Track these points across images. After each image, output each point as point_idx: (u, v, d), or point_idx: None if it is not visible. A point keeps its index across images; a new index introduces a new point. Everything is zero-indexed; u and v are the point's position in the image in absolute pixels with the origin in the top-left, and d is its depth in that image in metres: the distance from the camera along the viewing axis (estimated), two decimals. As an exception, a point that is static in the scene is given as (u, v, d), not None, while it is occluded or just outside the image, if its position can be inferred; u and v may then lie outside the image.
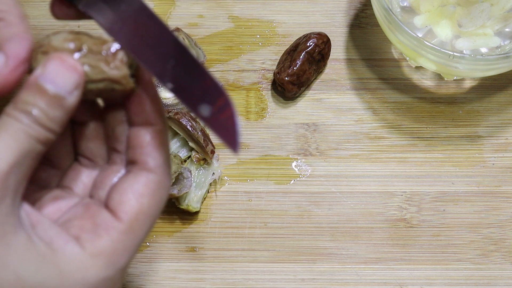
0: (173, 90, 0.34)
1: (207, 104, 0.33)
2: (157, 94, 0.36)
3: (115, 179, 0.36)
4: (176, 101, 0.59)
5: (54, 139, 0.33)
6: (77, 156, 0.38)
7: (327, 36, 0.60)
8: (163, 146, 0.36)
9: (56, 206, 0.36)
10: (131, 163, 0.36)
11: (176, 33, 0.36)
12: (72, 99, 0.33)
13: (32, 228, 0.32)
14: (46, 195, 0.36)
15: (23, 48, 0.35)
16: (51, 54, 0.34)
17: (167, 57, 0.34)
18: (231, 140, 0.33)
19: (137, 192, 0.35)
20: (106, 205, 0.35)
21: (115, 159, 0.37)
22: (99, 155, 0.38)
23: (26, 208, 0.33)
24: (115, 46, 0.35)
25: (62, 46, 0.35)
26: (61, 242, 0.33)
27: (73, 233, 0.34)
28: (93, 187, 0.37)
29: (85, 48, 0.35)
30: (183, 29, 0.62)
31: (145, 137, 0.36)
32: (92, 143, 0.38)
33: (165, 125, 0.36)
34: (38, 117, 0.32)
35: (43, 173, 0.37)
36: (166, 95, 0.59)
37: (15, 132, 0.32)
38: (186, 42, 0.61)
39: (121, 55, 0.35)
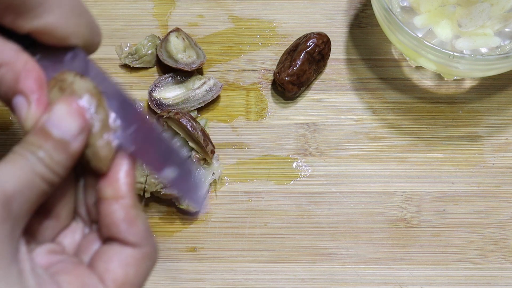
0: (140, 157, 0.35)
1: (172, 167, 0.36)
2: (131, 170, 0.36)
3: (96, 247, 0.37)
4: (176, 101, 0.59)
5: (59, 181, 0.34)
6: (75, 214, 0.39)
7: (327, 36, 0.60)
8: (139, 219, 0.36)
9: (48, 258, 0.36)
10: (111, 240, 0.36)
11: (136, 103, 0.37)
12: (77, 144, 0.34)
13: (25, 266, 0.32)
14: (42, 246, 0.36)
15: (36, 80, 0.36)
16: (61, 98, 0.35)
17: (129, 123, 0.35)
18: (195, 198, 0.36)
19: (123, 262, 0.35)
20: (93, 268, 0.35)
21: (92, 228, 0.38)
22: (71, 217, 0.38)
23: (23, 247, 0.33)
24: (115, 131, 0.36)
25: (80, 95, 0.35)
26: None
27: (61, 287, 0.33)
28: (78, 249, 0.37)
29: (93, 110, 0.36)
30: (183, 29, 0.62)
31: (118, 214, 0.35)
32: (65, 206, 0.38)
33: (135, 198, 0.36)
34: (43, 159, 0.33)
35: (42, 224, 0.37)
36: (166, 95, 0.59)
37: (22, 165, 0.33)
38: (186, 42, 0.61)
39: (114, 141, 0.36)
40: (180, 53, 0.60)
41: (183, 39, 0.61)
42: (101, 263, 0.35)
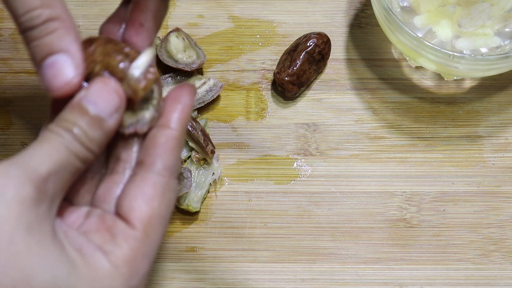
0: None
1: None
2: (189, 107, 0.37)
3: (118, 191, 0.37)
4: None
5: (93, 158, 0.35)
6: None
7: (327, 36, 0.60)
8: (175, 151, 0.37)
9: (72, 217, 0.37)
10: (138, 164, 0.37)
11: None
12: (112, 121, 0.35)
13: (64, 235, 0.34)
14: (78, 208, 0.38)
15: (81, 50, 0.36)
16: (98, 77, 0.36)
17: None
18: None
19: (146, 196, 0.35)
20: (118, 213, 0.36)
21: (116, 168, 0.38)
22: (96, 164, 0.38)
23: (58, 221, 0.34)
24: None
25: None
26: (89, 251, 0.34)
27: (96, 243, 0.35)
28: (97, 200, 0.38)
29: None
30: (183, 29, 0.62)
31: (160, 139, 0.36)
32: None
33: (183, 132, 0.37)
34: (78, 136, 0.34)
35: (78, 191, 0.38)
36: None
37: (56, 145, 0.33)
38: (186, 42, 0.61)
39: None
40: (180, 53, 0.60)
41: (183, 39, 0.61)
42: (126, 202, 0.35)
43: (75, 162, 0.34)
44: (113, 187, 0.37)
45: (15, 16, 0.35)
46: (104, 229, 0.35)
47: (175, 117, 0.37)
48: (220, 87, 0.60)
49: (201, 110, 0.60)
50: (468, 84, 0.62)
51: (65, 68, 0.35)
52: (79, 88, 0.35)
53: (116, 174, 0.38)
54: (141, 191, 0.35)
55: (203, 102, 0.59)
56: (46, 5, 0.35)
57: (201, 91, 0.59)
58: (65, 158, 0.33)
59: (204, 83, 0.60)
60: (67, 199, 0.37)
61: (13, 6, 0.34)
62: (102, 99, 0.35)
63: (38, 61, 0.35)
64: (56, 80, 0.35)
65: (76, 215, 0.37)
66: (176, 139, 0.36)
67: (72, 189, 0.37)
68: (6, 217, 0.31)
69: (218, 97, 0.60)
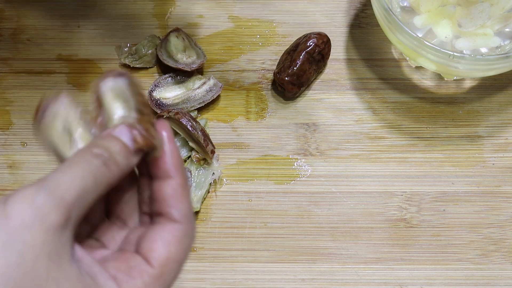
0: None
1: None
2: (177, 150, 0.39)
3: (138, 235, 0.40)
4: (176, 101, 0.59)
5: (112, 185, 0.36)
6: (110, 215, 0.41)
7: (327, 36, 0.60)
8: (185, 197, 0.39)
9: (92, 252, 0.39)
10: (157, 215, 0.39)
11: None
12: (137, 156, 0.37)
13: (80, 262, 0.35)
14: (83, 242, 0.39)
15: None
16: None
17: None
18: None
19: (165, 240, 0.37)
20: (137, 252, 0.38)
21: (144, 220, 0.41)
22: (131, 217, 0.41)
23: (77, 246, 0.36)
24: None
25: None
26: (103, 279, 0.35)
27: (111, 273, 0.36)
28: (122, 243, 0.40)
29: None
30: (183, 29, 0.62)
31: (167, 190, 0.39)
32: (127, 207, 0.41)
33: (184, 178, 0.39)
34: (107, 160, 0.36)
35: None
36: (166, 95, 0.59)
37: (84, 170, 0.35)
38: (186, 42, 0.61)
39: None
40: (180, 53, 0.60)
41: (183, 39, 0.61)
42: (145, 244, 0.37)
43: (98, 190, 0.35)
44: (138, 234, 0.40)
45: None
46: (122, 260, 0.37)
47: (171, 165, 0.39)
48: (220, 87, 0.60)
49: (201, 110, 0.60)
50: (468, 84, 0.62)
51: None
52: None
53: (143, 225, 0.40)
54: (160, 235, 0.38)
55: (203, 102, 0.59)
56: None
57: (201, 91, 0.59)
58: (91, 185, 0.35)
59: (204, 83, 0.60)
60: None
61: None
62: (131, 133, 0.38)
63: None
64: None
65: (91, 251, 0.39)
66: (182, 186, 0.39)
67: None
68: (31, 244, 0.32)
69: (218, 97, 0.60)
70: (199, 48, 0.61)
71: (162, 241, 0.37)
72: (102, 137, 0.37)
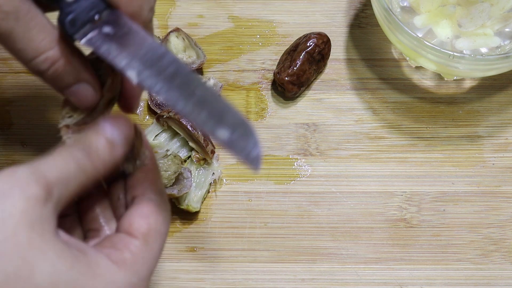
0: (191, 117, 0.37)
1: (226, 128, 0.36)
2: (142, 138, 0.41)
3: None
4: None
5: (95, 179, 0.38)
6: (86, 233, 0.42)
7: (327, 36, 0.60)
8: (157, 178, 0.41)
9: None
10: (132, 200, 0.40)
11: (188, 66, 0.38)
12: (121, 149, 0.38)
13: (66, 239, 0.36)
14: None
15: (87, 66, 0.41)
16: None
17: (185, 85, 0.37)
18: (252, 160, 0.36)
19: (143, 214, 0.39)
20: (118, 230, 0.39)
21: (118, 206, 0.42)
22: (107, 226, 0.42)
23: (59, 229, 0.37)
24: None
25: None
26: (92, 251, 0.36)
27: (98, 249, 0.37)
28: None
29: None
30: (183, 29, 0.62)
31: (138, 176, 0.41)
32: (102, 215, 0.42)
33: (155, 165, 0.41)
34: (90, 153, 0.37)
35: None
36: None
37: (67, 158, 0.36)
38: (186, 42, 0.61)
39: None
40: (180, 53, 0.60)
41: (183, 39, 0.61)
42: (124, 222, 0.39)
43: (81, 177, 0.36)
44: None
45: (24, 61, 0.40)
46: (106, 240, 0.39)
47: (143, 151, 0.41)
48: (220, 87, 0.60)
49: (201, 110, 0.60)
50: (468, 84, 0.62)
51: (84, 92, 0.41)
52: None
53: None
54: (137, 211, 0.39)
55: (203, 102, 0.59)
56: (48, 47, 0.39)
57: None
58: (73, 171, 0.36)
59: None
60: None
61: (19, 54, 0.39)
62: (118, 127, 0.39)
63: (60, 90, 0.41)
64: (82, 103, 0.41)
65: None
66: (152, 171, 0.41)
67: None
68: (10, 212, 0.33)
69: (218, 97, 0.60)
70: (199, 48, 0.61)
71: (140, 215, 0.39)
72: (87, 133, 0.38)
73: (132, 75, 0.37)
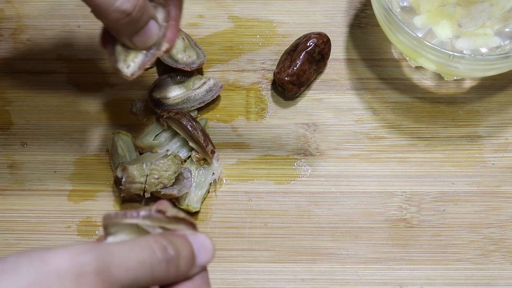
0: None
1: None
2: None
3: None
4: (176, 101, 0.59)
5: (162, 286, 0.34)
6: None
7: (327, 36, 0.60)
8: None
9: None
10: None
11: None
12: (196, 271, 0.35)
13: None
14: None
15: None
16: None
17: None
18: None
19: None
20: None
21: None
22: None
23: None
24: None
25: None
26: None
27: None
28: None
29: None
30: (183, 29, 0.62)
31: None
32: None
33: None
34: (171, 259, 0.33)
35: None
36: (166, 94, 0.59)
37: (143, 256, 0.32)
38: (186, 42, 0.61)
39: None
40: (180, 53, 0.60)
41: (183, 39, 0.61)
42: None
43: (148, 281, 0.33)
44: None
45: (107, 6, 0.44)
46: None
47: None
48: (220, 87, 0.60)
49: (201, 110, 0.60)
50: (468, 84, 0.62)
51: (156, 28, 0.47)
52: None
53: None
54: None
55: (203, 102, 0.59)
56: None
57: (201, 91, 0.59)
58: (143, 275, 0.32)
59: (204, 83, 0.60)
60: None
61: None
62: (205, 251, 0.36)
63: (136, 31, 0.46)
64: (152, 41, 0.47)
65: None
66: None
67: None
68: None
69: (218, 97, 0.60)
70: (199, 48, 0.61)
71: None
72: (175, 234, 0.35)
73: None
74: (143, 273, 0.32)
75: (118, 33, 0.46)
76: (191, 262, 0.35)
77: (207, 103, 0.59)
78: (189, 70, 0.59)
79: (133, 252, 0.32)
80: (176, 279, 0.34)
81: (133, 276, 0.32)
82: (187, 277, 0.35)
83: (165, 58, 0.60)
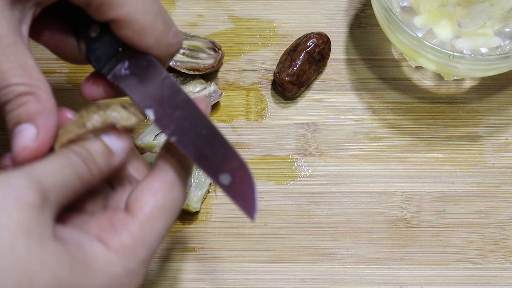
0: (196, 159, 0.39)
1: (227, 173, 0.39)
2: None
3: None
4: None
5: (92, 185, 0.37)
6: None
7: (327, 36, 0.60)
8: (180, 156, 0.40)
9: (71, 218, 0.40)
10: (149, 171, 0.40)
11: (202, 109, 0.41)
12: (118, 158, 0.39)
13: (62, 235, 0.36)
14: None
15: (53, 123, 0.38)
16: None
17: (193, 128, 0.39)
18: (249, 207, 0.40)
19: (153, 189, 0.38)
20: (124, 208, 0.39)
21: (125, 186, 0.41)
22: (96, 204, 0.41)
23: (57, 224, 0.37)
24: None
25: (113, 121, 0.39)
26: (88, 244, 0.36)
27: (94, 234, 0.37)
28: (108, 204, 0.41)
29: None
30: (183, 29, 0.62)
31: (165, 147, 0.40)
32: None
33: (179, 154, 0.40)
34: (86, 159, 0.37)
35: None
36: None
37: (63, 163, 0.36)
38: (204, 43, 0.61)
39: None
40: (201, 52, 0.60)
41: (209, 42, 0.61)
42: (134, 194, 0.38)
43: (77, 182, 0.36)
44: (122, 197, 0.40)
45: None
46: (104, 218, 0.38)
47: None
48: (220, 95, 0.59)
49: (201, 110, 0.60)
50: (468, 84, 0.62)
51: (27, 135, 0.37)
52: (40, 154, 0.37)
53: (124, 191, 0.41)
54: (148, 184, 0.38)
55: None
56: (21, 82, 0.38)
57: (200, 95, 0.59)
58: (69, 176, 0.36)
59: (205, 88, 0.60)
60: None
61: None
62: (117, 138, 0.38)
63: (9, 131, 0.38)
64: (17, 146, 0.37)
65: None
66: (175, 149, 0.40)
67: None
68: (6, 225, 0.32)
69: (218, 97, 0.60)
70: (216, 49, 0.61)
71: (149, 189, 0.38)
72: (86, 139, 0.38)
73: (149, 113, 0.39)
74: (68, 175, 0.35)
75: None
76: (107, 154, 0.38)
77: (207, 104, 0.59)
78: (193, 74, 0.59)
79: (52, 161, 0.36)
80: (103, 173, 0.38)
81: (61, 180, 0.35)
82: (118, 167, 0.39)
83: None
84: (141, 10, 0.39)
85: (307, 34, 0.60)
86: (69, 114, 0.39)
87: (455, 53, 0.53)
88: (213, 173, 0.39)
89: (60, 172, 0.35)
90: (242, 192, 0.40)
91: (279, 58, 0.61)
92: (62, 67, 0.62)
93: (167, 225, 0.38)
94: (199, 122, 0.40)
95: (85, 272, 0.34)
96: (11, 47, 0.38)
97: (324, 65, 0.62)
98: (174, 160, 0.39)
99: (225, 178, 0.39)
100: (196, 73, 0.59)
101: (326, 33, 0.61)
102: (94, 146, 0.38)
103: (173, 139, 0.39)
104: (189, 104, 0.40)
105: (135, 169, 0.41)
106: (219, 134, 0.40)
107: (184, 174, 0.39)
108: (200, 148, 0.39)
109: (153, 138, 0.57)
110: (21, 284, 0.32)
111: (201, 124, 0.39)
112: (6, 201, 0.33)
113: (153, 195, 0.38)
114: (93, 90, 0.42)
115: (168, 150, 0.40)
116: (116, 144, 0.38)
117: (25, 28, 0.40)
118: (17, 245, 0.32)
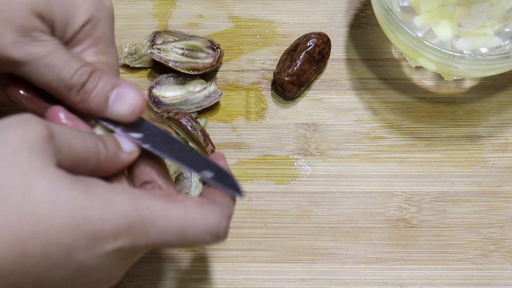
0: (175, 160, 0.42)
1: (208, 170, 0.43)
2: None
3: None
4: (174, 101, 0.59)
5: (99, 167, 0.39)
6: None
7: (327, 36, 0.60)
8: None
9: None
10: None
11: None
12: (124, 154, 0.41)
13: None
14: None
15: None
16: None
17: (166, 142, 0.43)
18: (235, 187, 0.43)
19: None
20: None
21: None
22: None
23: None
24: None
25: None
26: (91, 178, 0.37)
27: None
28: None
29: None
30: (183, 29, 0.62)
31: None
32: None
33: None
34: (97, 138, 0.40)
35: None
36: (166, 93, 0.59)
37: (74, 131, 0.38)
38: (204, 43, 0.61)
39: None
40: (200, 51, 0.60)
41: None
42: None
43: (83, 151, 0.38)
44: None
45: (64, 86, 0.41)
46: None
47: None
48: (220, 95, 0.59)
49: (201, 110, 0.60)
50: (468, 84, 0.62)
51: (130, 94, 0.42)
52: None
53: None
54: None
55: (201, 106, 0.59)
56: (83, 63, 0.41)
57: (200, 95, 0.59)
58: (77, 142, 0.37)
59: (205, 88, 0.60)
60: None
61: (58, 77, 0.41)
62: (126, 139, 0.42)
63: (102, 106, 0.41)
64: (128, 107, 0.42)
65: None
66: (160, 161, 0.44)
67: None
68: (11, 139, 0.34)
69: (218, 97, 0.60)
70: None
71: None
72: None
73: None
74: (77, 140, 0.37)
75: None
76: (117, 143, 0.41)
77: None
78: (193, 73, 0.59)
79: (66, 128, 0.38)
80: (110, 159, 0.40)
81: (70, 139, 0.37)
82: (124, 165, 0.41)
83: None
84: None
85: (307, 34, 0.60)
86: (61, 114, 0.40)
87: (455, 53, 0.53)
88: (195, 170, 0.43)
89: (70, 135, 0.37)
90: (225, 179, 0.43)
91: (279, 58, 0.61)
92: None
93: (170, 244, 0.40)
94: (173, 140, 0.43)
95: (85, 192, 0.35)
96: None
97: (324, 65, 0.62)
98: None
99: (208, 174, 0.42)
100: (196, 72, 0.59)
101: (326, 33, 0.61)
102: (105, 135, 0.41)
103: (146, 146, 0.41)
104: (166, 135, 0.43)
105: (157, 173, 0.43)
106: (192, 149, 0.44)
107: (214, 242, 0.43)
108: (176, 154, 0.42)
109: None
110: (18, 185, 0.33)
111: (174, 141, 0.43)
112: (15, 124, 0.35)
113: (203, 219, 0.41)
114: (16, 93, 0.45)
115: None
116: (124, 142, 0.41)
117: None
118: (20, 154, 0.34)
